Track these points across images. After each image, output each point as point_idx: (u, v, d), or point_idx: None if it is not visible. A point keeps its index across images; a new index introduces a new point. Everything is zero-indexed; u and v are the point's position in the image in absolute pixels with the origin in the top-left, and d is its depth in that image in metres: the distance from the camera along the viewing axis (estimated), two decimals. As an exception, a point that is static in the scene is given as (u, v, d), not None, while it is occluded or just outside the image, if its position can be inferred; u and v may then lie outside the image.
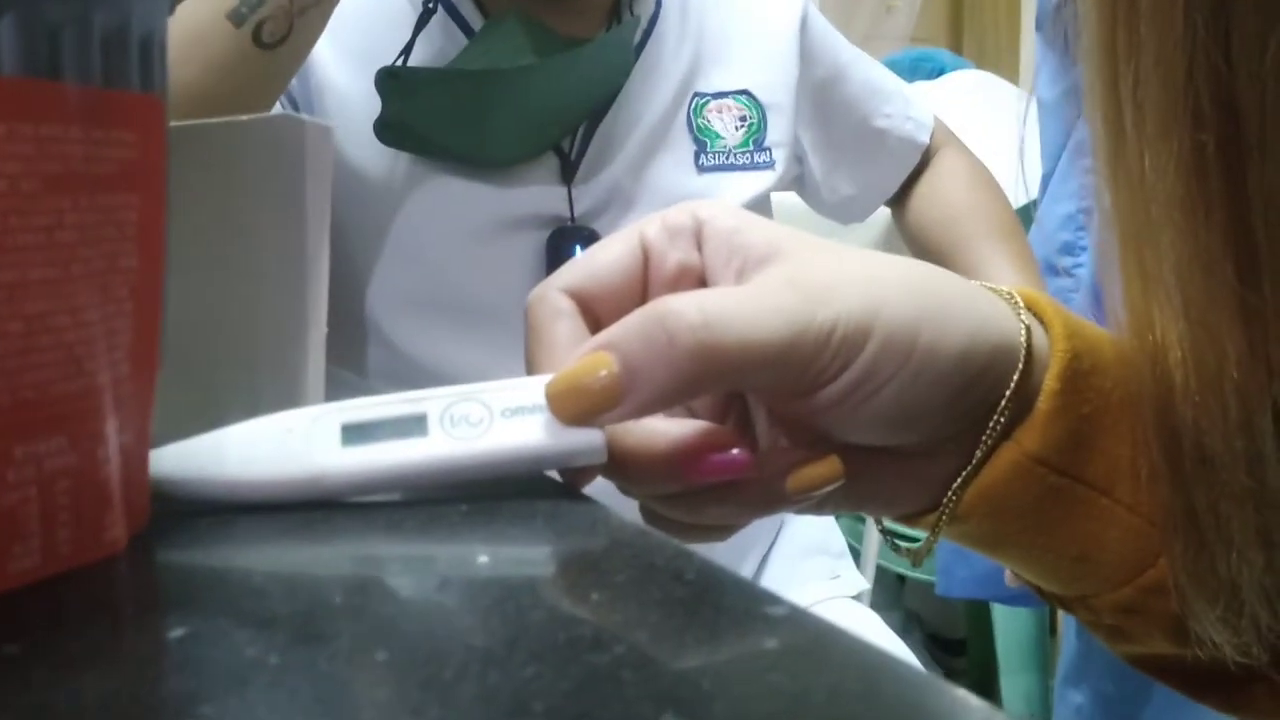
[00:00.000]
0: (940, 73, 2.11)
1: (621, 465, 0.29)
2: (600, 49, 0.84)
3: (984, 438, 0.31)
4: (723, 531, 0.32)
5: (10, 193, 0.20)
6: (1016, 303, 0.31)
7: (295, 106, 0.86)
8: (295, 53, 0.70)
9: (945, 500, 0.32)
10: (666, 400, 0.27)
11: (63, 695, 0.18)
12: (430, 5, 0.83)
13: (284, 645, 0.19)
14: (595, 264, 0.31)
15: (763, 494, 0.30)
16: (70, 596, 0.22)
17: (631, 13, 0.90)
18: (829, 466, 0.30)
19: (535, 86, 0.81)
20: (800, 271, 0.29)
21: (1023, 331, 0.31)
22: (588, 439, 0.27)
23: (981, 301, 0.30)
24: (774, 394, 0.30)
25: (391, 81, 0.78)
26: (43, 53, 0.21)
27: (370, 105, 0.79)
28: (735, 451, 0.29)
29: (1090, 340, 0.32)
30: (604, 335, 0.27)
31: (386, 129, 0.80)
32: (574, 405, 0.27)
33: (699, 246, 0.31)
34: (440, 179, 0.83)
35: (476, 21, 0.86)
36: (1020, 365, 0.30)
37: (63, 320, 0.22)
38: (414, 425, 0.27)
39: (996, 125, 1.57)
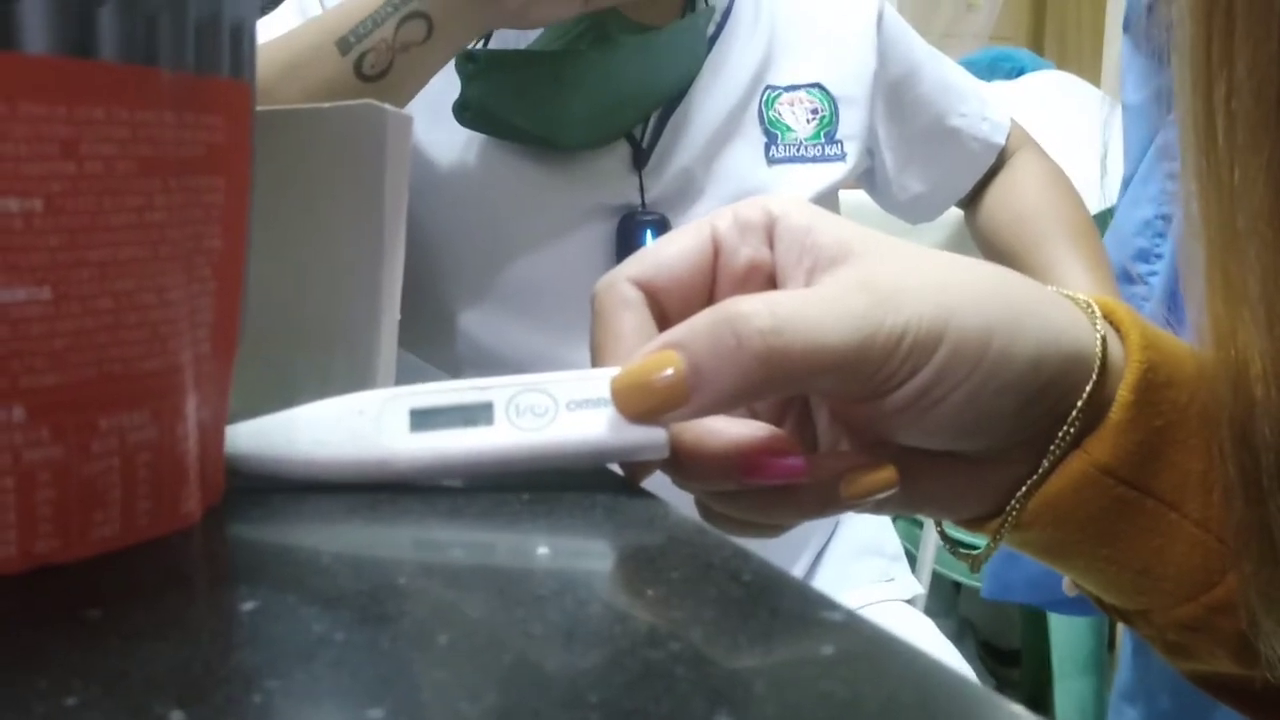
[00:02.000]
0: (1020, 73, 2.07)
1: (679, 461, 0.29)
2: (675, 35, 0.85)
3: (1052, 446, 0.30)
4: (776, 529, 0.32)
5: (105, 174, 0.21)
6: (1093, 311, 0.31)
7: None
8: (394, 88, 0.71)
9: (1009, 507, 0.31)
10: (732, 402, 0.27)
11: (135, 663, 0.18)
12: None
13: (349, 623, 0.20)
14: (664, 255, 0.31)
15: (818, 497, 0.30)
16: (146, 567, 0.22)
17: (706, 2, 0.90)
18: (885, 474, 0.30)
19: (610, 70, 0.81)
20: (872, 274, 0.28)
21: (1098, 341, 0.30)
22: (650, 436, 0.27)
23: (1055, 309, 0.30)
24: (839, 397, 0.30)
25: (470, 64, 0.79)
26: (140, 39, 0.22)
27: (449, 91, 0.80)
28: (792, 458, 0.29)
29: (1167, 352, 0.31)
30: (672, 334, 0.27)
31: (464, 110, 0.81)
32: (639, 402, 0.27)
33: (770, 243, 0.31)
34: (514, 163, 0.84)
35: None
36: (1094, 375, 0.30)
37: (149, 299, 0.22)
38: (480, 413, 0.27)
39: (1077, 128, 1.54)
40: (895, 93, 0.98)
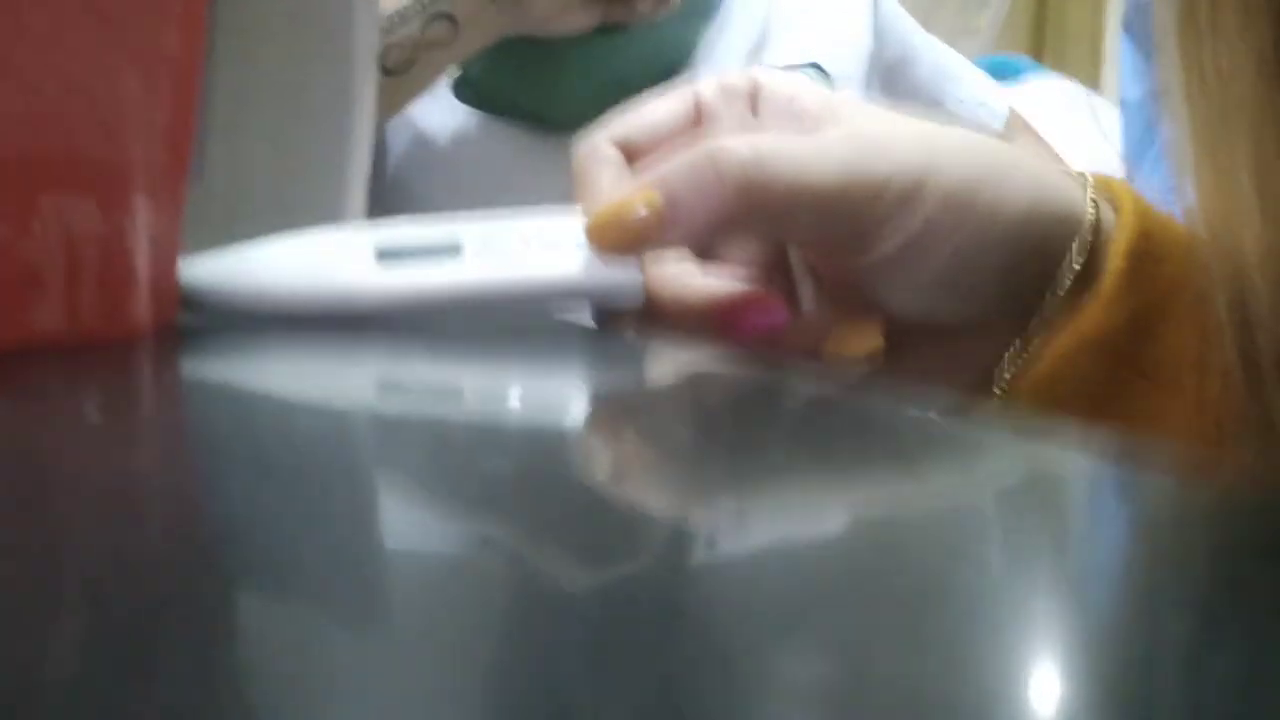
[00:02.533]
0: (1018, 77, 2.07)
1: (658, 316, 0.28)
2: (671, 17, 0.85)
3: (1041, 313, 0.29)
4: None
5: (52, -63, 0.20)
6: (1085, 179, 0.30)
7: None
8: (414, 84, 0.72)
9: (996, 378, 0.30)
10: (709, 236, 0.26)
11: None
12: None
13: (291, 466, 0.18)
14: (647, 117, 0.30)
15: (801, 358, 0.28)
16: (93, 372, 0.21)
17: None
18: (869, 334, 0.29)
19: (610, 50, 0.81)
20: (858, 129, 0.28)
21: (1090, 205, 0.29)
22: (626, 275, 0.26)
23: (1046, 170, 0.29)
24: (823, 248, 0.29)
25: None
26: None
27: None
28: (774, 311, 0.28)
29: (1163, 225, 0.30)
30: (650, 172, 0.26)
31: (464, 86, 0.81)
32: (614, 236, 0.26)
33: (754, 109, 0.30)
34: (511, 142, 0.84)
35: None
36: (1087, 239, 0.29)
37: (97, 86, 0.21)
38: (449, 250, 0.26)
39: (1076, 131, 1.54)
40: (891, 75, 0.98)
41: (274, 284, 0.26)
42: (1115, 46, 2.24)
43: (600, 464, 0.18)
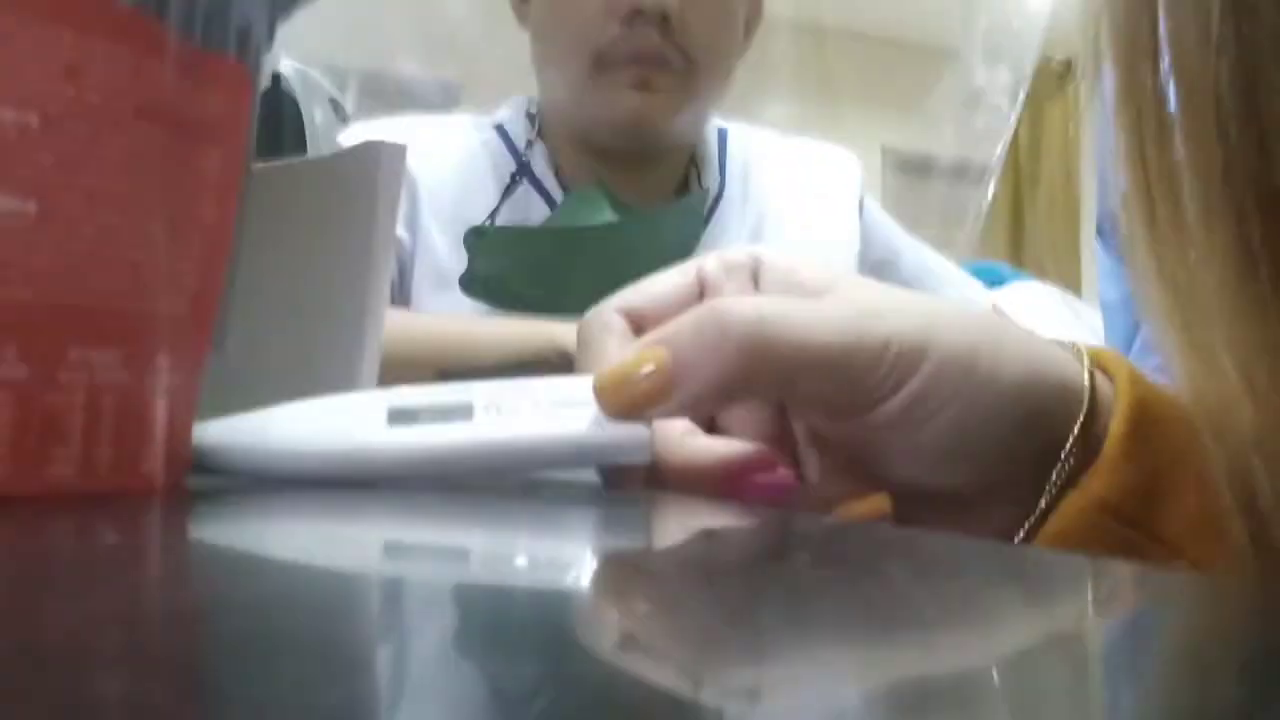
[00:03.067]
0: (1000, 284, 2.14)
1: (665, 476, 0.28)
2: (674, 214, 0.89)
3: (1050, 483, 0.30)
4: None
5: (103, 106, 0.22)
6: (1079, 350, 0.31)
7: (402, 258, 0.90)
8: None
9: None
10: (716, 396, 0.26)
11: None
12: (516, 176, 0.89)
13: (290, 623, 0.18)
14: (651, 289, 0.31)
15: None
16: (100, 517, 0.21)
17: (700, 184, 0.94)
18: (876, 501, 0.29)
19: (613, 247, 0.85)
20: (857, 296, 0.29)
21: (1085, 374, 0.30)
22: (633, 434, 0.27)
23: (1039, 342, 0.30)
24: (827, 410, 0.29)
25: (478, 239, 0.83)
26: (151, 1, 0.23)
27: (454, 261, 0.84)
28: (781, 473, 0.28)
29: (1159, 394, 0.31)
30: (656, 332, 0.27)
31: (472, 283, 0.84)
32: (621, 397, 0.27)
33: (755, 283, 0.31)
34: None
35: (557, 193, 0.91)
36: (1084, 404, 0.29)
37: (134, 240, 0.22)
38: (459, 411, 0.27)
39: (1061, 329, 1.58)
40: (877, 274, 1.02)
41: (285, 445, 0.26)
42: (1092, 254, 2.33)
43: (610, 629, 0.18)
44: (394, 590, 0.19)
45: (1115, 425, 0.30)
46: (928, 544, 0.24)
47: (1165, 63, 0.27)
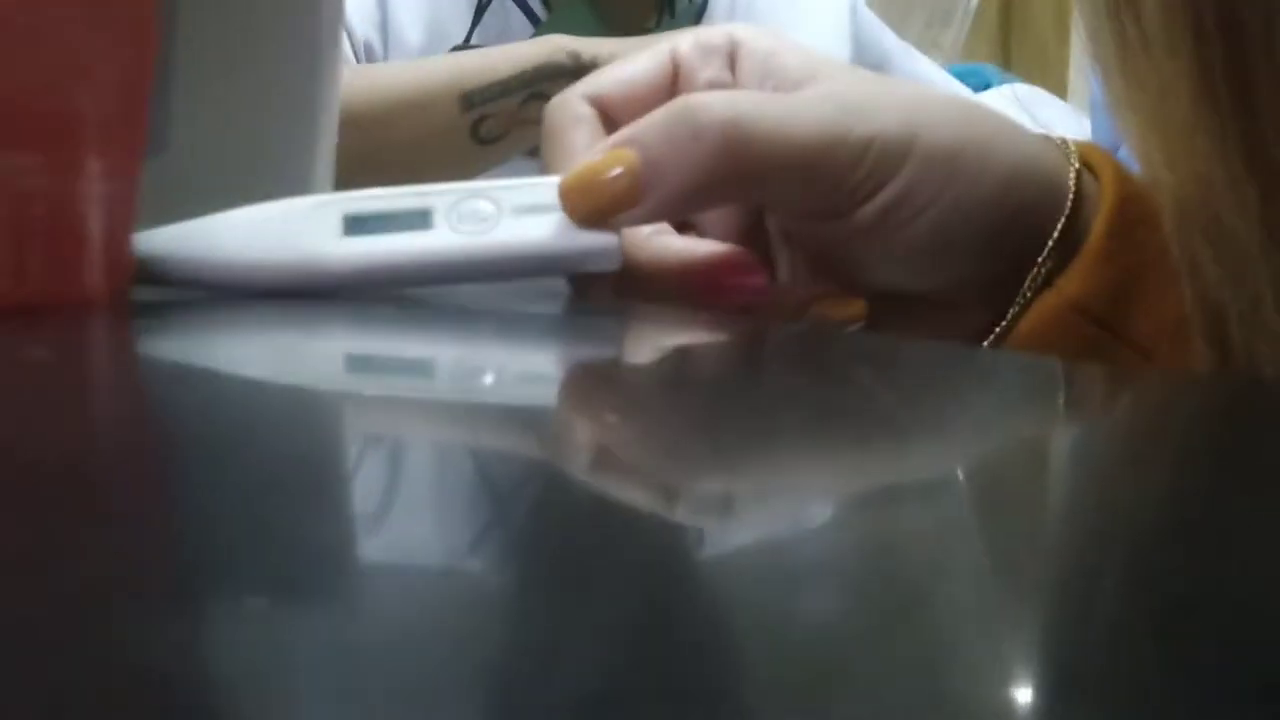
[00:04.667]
0: (986, 87, 2.09)
1: (634, 279, 0.27)
2: (662, 33, 0.85)
3: (1026, 284, 0.29)
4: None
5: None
6: (1067, 146, 0.30)
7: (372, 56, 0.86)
8: (499, 154, 0.71)
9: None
10: (688, 200, 0.25)
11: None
12: None
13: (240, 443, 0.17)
14: (622, 74, 0.29)
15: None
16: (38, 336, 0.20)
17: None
18: (855, 306, 0.28)
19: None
20: (839, 90, 0.27)
21: (1072, 171, 0.29)
22: (601, 241, 0.25)
23: (1028, 137, 0.29)
24: (803, 211, 0.28)
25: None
26: None
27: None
28: (755, 275, 0.27)
29: (1143, 194, 0.30)
30: (625, 131, 0.26)
31: None
32: (589, 202, 0.25)
33: (732, 67, 0.29)
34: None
35: (539, 8, 0.86)
36: (1069, 204, 0.28)
37: (47, 33, 0.20)
38: (419, 218, 0.25)
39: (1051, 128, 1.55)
40: None
41: (234, 254, 0.25)
42: (1081, 54, 2.27)
43: (581, 444, 0.17)
44: (354, 408, 0.18)
45: (1096, 224, 0.29)
46: (898, 350, 0.23)
47: None
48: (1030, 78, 2.21)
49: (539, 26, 0.84)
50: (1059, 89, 2.10)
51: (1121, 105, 0.28)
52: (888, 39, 1.01)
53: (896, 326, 0.30)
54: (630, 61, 0.30)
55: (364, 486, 0.14)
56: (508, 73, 0.68)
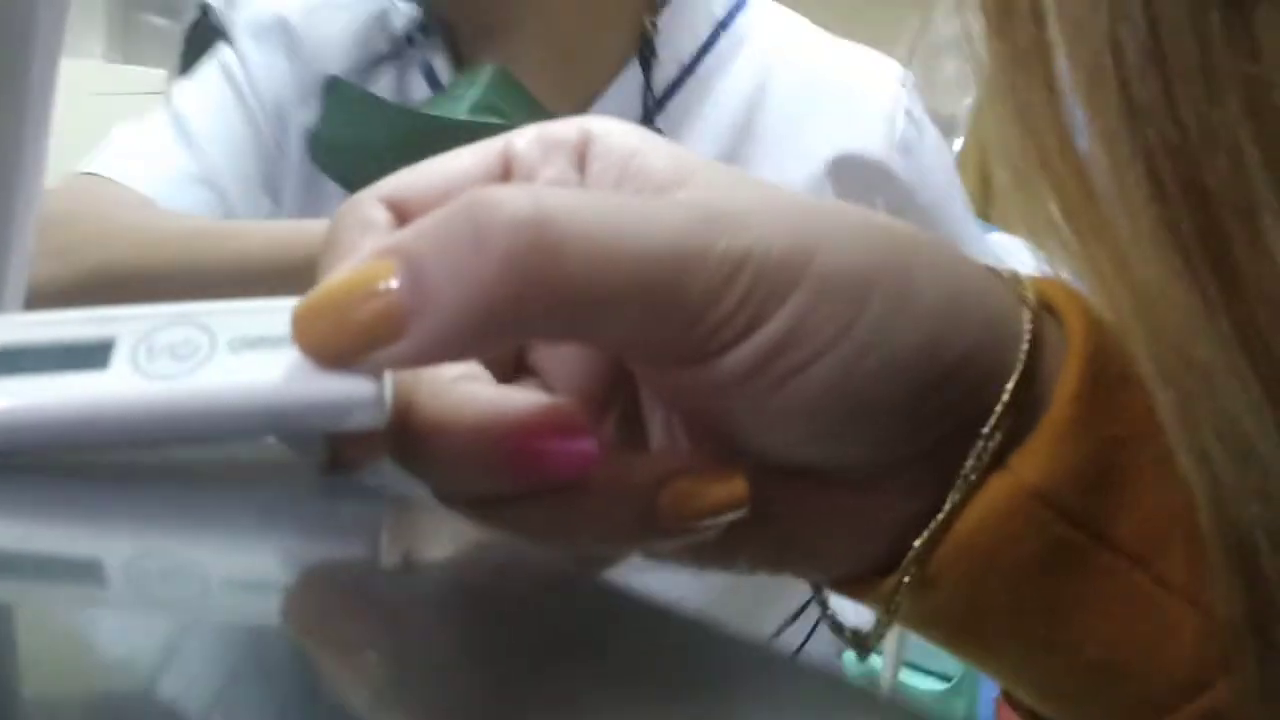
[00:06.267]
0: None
1: (414, 443, 0.19)
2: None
3: (967, 468, 0.21)
4: (595, 565, 0.22)
5: None
6: (1018, 280, 0.23)
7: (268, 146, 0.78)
8: None
9: (908, 555, 0.22)
10: (471, 334, 0.18)
11: None
12: (408, 38, 0.76)
13: None
14: (434, 172, 0.22)
15: (627, 511, 0.20)
16: None
17: (647, 78, 0.78)
18: (730, 486, 0.20)
19: None
20: (713, 197, 0.20)
21: (1027, 314, 0.21)
22: (355, 388, 0.18)
23: (968, 267, 0.22)
24: (646, 354, 0.20)
25: (344, 95, 0.70)
26: None
27: (301, 118, 0.72)
28: (583, 441, 0.19)
29: (1120, 344, 0.22)
30: (390, 238, 0.18)
31: (318, 145, 0.71)
32: (333, 335, 0.18)
33: (580, 167, 0.22)
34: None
35: (445, 76, 0.77)
36: (1022, 357, 0.21)
37: None
38: (94, 354, 0.18)
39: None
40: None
41: None
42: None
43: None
44: None
45: (1063, 383, 0.21)
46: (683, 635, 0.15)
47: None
48: (1010, 230, 2.20)
49: (436, 97, 0.74)
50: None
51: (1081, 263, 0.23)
52: (953, 184, 0.84)
53: (790, 516, 0.22)
54: (450, 158, 0.23)
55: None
56: (255, 267, 0.61)
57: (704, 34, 0.75)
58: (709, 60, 0.76)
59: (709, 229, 0.19)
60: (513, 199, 0.17)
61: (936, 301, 0.20)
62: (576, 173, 0.22)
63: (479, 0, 0.72)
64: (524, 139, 0.23)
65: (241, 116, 0.75)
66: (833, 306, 0.19)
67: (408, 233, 0.18)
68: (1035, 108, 0.21)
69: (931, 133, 0.81)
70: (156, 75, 2.33)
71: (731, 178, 0.22)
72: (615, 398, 0.24)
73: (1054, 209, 0.21)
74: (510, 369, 0.23)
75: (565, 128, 0.23)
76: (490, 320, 0.17)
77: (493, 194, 0.18)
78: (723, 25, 0.76)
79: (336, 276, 0.18)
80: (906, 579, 0.22)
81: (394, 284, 0.17)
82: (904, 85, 0.80)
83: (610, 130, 0.23)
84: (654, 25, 0.73)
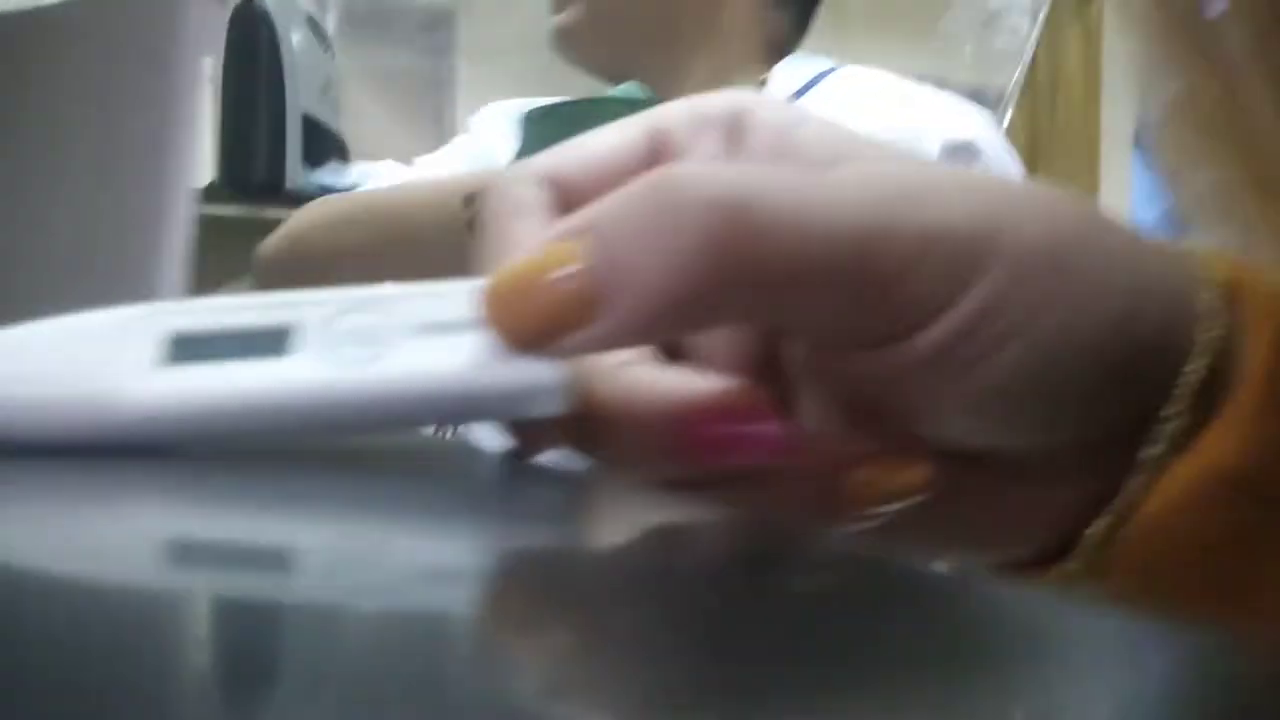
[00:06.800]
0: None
1: (593, 429, 0.19)
2: None
3: (1159, 451, 0.20)
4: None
5: None
6: (1194, 259, 0.22)
7: None
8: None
9: (1085, 537, 0.21)
10: (666, 318, 0.17)
11: None
12: None
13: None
14: (588, 149, 0.21)
15: (806, 496, 0.19)
16: None
17: None
18: (909, 471, 0.20)
19: None
20: (885, 169, 0.20)
21: (1210, 294, 0.21)
22: (539, 374, 0.17)
23: (1144, 240, 0.21)
24: (835, 337, 0.20)
25: (534, 118, 0.74)
26: None
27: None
28: (768, 425, 0.19)
29: None
30: (578, 215, 0.18)
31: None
32: (523, 318, 0.17)
33: (734, 143, 0.21)
34: None
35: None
36: (1210, 336, 0.20)
37: None
38: (272, 340, 0.18)
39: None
40: None
41: (8, 388, 0.17)
42: (1112, 159, 2.24)
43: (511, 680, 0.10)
44: (174, 619, 0.11)
45: (1252, 364, 0.21)
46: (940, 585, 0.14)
47: None
48: (1058, 181, 2.16)
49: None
50: (1089, 192, 2.06)
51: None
52: None
53: (970, 502, 0.21)
54: (599, 136, 0.22)
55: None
56: (429, 220, 0.69)
57: (794, 89, 0.87)
58: None
59: (893, 206, 0.18)
60: (710, 179, 0.17)
61: (1126, 278, 0.20)
62: (727, 148, 0.22)
63: (627, 69, 0.81)
64: (674, 114, 0.22)
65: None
66: (1027, 285, 0.19)
67: (598, 211, 0.18)
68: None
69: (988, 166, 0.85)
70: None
71: (895, 153, 0.21)
72: (763, 382, 0.23)
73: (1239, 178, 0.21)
74: (664, 353, 0.23)
75: (715, 102, 0.22)
76: (689, 303, 0.17)
77: (686, 173, 0.17)
78: (812, 83, 0.88)
79: (524, 258, 0.18)
80: (1082, 565, 0.21)
81: (592, 263, 0.17)
82: (976, 129, 0.84)
83: (762, 104, 0.22)
84: (763, 83, 0.86)
